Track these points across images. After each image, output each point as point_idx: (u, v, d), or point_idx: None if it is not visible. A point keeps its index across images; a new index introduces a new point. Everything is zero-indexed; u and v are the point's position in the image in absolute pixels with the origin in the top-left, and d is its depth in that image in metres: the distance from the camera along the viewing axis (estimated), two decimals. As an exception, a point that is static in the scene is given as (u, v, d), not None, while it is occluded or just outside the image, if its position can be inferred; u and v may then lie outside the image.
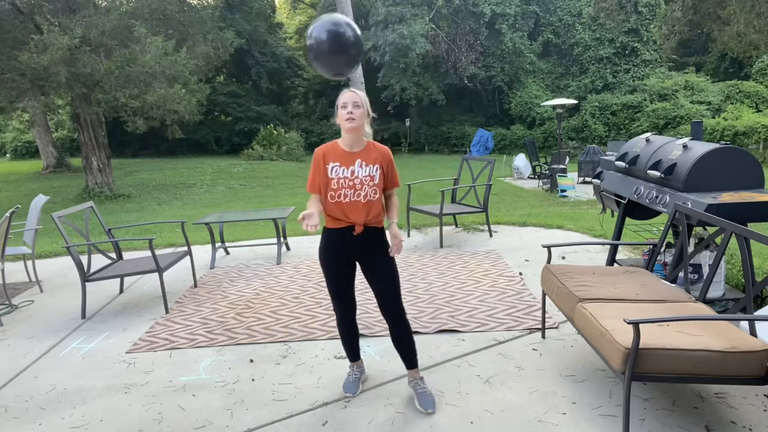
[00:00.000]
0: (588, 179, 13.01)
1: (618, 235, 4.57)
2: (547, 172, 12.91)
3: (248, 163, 19.55)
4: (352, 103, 2.72)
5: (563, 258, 5.54)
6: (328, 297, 4.63)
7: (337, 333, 3.86)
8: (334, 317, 4.17)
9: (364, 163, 2.78)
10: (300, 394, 3.10)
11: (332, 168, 2.77)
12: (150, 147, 25.94)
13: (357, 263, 2.92)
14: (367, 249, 2.84)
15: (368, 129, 2.83)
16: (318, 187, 2.81)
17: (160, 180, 16.72)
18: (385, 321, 2.94)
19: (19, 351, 3.96)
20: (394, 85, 23.21)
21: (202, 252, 6.57)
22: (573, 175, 13.14)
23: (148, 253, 6.52)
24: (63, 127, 26.80)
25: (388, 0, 22.99)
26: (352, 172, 2.75)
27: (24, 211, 7.33)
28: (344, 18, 2.68)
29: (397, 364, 3.36)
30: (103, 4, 13.65)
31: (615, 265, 4.61)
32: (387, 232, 2.86)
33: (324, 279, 3.07)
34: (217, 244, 6.41)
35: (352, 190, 2.74)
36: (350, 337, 3.06)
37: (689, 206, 3.41)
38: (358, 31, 2.69)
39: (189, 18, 14.86)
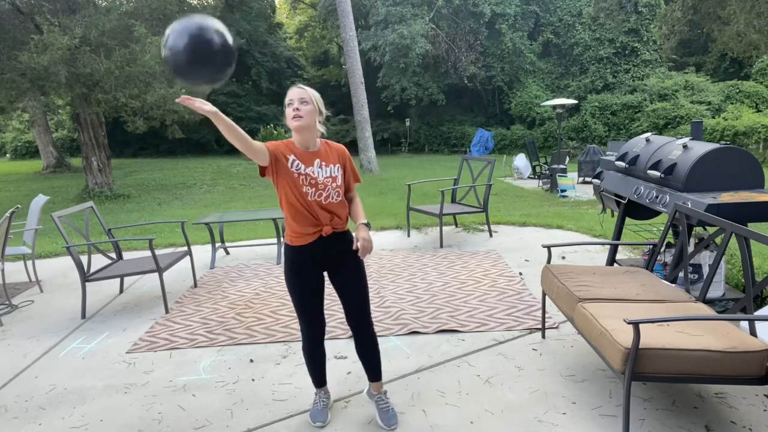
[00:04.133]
0: (588, 179, 13.02)
1: (618, 235, 4.57)
2: (547, 172, 12.91)
3: (248, 163, 19.55)
4: (299, 99, 2.46)
5: (563, 258, 5.54)
6: (329, 297, 4.63)
7: (337, 333, 3.89)
8: (334, 317, 4.18)
9: (323, 163, 2.55)
10: (300, 394, 3.10)
11: (293, 161, 2.50)
12: (150, 147, 25.96)
13: (325, 275, 2.69)
14: (334, 256, 2.60)
15: (321, 128, 2.57)
16: (272, 148, 2.48)
17: (160, 180, 16.72)
18: (349, 326, 2.70)
19: (19, 351, 3.96)
20: (394, 85, 23.24)
21: (202, 252, 6.57)
22: (573, 175, 13.13)
23: (148, 253, 6.51)
24: (63, 127, 26.83)
25: (388, 0, 23.00)
26: (312, 172, 2.51)
27: (24, 211, 7.33)
28: (201, 20, 2.09)
29: (396, 363, 3.36)
30: (103, 4, 13.63)
31: (615, 265, 4.61)
32: (354, 236, 2.59)
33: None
34: (217, 244, 6.41)
35: (314, 189, 2.49)
36: (317, 363, 2.79)
37: (689, 206, 3.41)
38: (222, 30, 2.12)
39: (189, 18, 14.85)
